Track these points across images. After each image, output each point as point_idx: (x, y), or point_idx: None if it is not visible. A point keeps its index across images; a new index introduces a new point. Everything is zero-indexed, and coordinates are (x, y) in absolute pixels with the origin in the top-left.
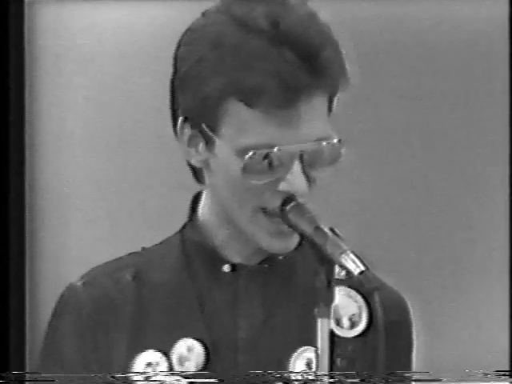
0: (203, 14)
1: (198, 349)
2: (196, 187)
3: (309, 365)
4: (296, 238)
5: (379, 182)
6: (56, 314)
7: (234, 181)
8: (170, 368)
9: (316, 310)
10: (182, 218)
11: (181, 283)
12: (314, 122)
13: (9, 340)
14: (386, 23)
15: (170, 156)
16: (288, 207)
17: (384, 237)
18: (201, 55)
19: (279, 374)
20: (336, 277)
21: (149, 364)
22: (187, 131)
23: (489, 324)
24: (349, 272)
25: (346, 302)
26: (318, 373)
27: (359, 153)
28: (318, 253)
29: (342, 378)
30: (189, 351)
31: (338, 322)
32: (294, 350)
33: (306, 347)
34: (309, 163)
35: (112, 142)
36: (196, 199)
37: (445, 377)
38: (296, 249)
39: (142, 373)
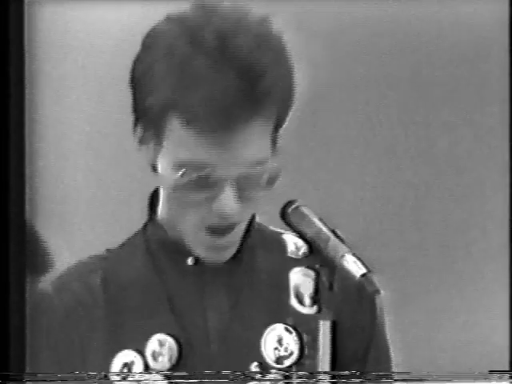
0: (166, 19)
1: (170, 343)
2: None
3: (280, 341)
4: (233, 249)
5: (379, 181)
6: (30, 319)
7: (170, 192)
8: (146, 365)
9: (317, 311)
10: None
11: (148, 281)
12: (251, 146)
13: (9, 340)
14: (386, 23)
15: None
16: (289, 210)
17: (383, 237)
18: (153, 61)
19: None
20: (290, 255)
21: (125, 364)
22: (139, 131)
23: (489, 324)
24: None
25: (304, 280)
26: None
27: (359, 154)
28: (319, 255)
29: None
30: (161, 346)
31: (301, 301)
32: (263, 330)
33: (273, 325)
34: (243, 186)
35: (112, 141)
36: (153, 197)
37: (445, 377)
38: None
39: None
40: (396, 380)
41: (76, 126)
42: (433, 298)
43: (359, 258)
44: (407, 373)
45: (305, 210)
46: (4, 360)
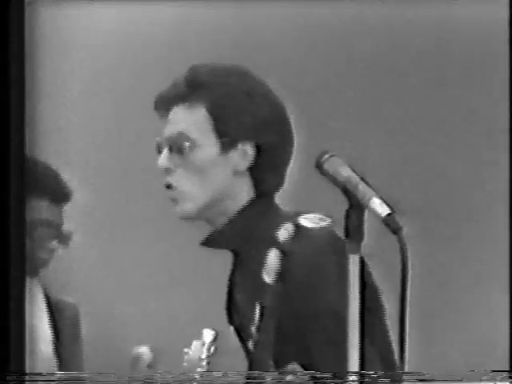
0: None
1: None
2: None
3: None
4: (185, 205)
5: (379, 180)
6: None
7: None
8: None
9: (347, 246)
10: None
11: None
12: (177, 123)
13: (9, 340)
14: (388, 24)
15: None
16: (323, 159)
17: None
18: None
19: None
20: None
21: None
22: None
23: (489, 324)
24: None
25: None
26: None
27: (360, 154)
28: (349, 198)
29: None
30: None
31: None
32: None
33: None
34: (175, 150)
35: (112, 139)
36: None
37: (445, 377)
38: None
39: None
40: (397, 380)
41: (76, 124)
42: (433, 298)
43: (384, 201)
44: (408, 373)
45: (337, 159)
46: (4, 360)
